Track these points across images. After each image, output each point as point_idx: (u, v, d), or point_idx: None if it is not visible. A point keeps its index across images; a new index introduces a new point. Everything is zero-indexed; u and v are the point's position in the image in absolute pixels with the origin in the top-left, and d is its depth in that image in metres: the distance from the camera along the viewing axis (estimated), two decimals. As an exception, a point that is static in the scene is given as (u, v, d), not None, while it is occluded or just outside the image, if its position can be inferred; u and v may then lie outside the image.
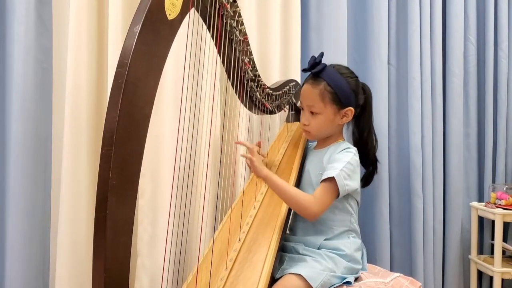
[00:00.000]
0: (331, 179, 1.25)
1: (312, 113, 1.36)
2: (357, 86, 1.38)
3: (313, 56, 1.36)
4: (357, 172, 1.33)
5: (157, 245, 1.56)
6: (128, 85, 0.75)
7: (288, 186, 1.28)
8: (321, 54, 1.36)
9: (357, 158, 1.34)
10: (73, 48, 1.53)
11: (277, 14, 1.80)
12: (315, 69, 1.34)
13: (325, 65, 1.34)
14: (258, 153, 1.46)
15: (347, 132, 1.50)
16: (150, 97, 0.81)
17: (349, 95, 1.34)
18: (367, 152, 1.45)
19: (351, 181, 1.28)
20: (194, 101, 1.47)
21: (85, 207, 1.56)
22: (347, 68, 1.41)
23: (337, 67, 1.38)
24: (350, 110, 1.36)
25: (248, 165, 1.31)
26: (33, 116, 1.58)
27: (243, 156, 1.33)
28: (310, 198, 1.27)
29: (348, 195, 1.32)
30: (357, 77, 1.40)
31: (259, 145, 1.50)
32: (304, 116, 1.39)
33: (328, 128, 1.39)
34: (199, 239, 1.33)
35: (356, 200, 1.38)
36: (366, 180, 1.51)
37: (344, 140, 1.45)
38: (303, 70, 1.39)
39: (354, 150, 1.35)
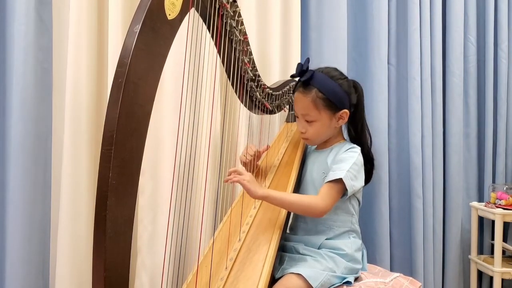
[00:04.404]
0: (338, 180, 1.25)
1: (307, 121, 1.35)
2: (349, 87, 1.37)
3: (299, 64, 1.35)
4: (362, 172, 1.33)
5: (157, 244, 1.57)
6: (128, 85, 0.75)
7: (289, 195, 1.28)
8: (307, 60, 1.34)
9: (361, 158, 1.34)
10: (73, 48, 1.53)
11: (277, 14, 1.80)
12: (303, 77, 1.32)
13: (313, 72, 1.32)
14: (257, 156, 1.46)
15: (345, 130, 1.50)
16: (150, 96, 0.81)
17: (342, 97, 1.34)
18: (362, 148, 1.44)
19: (357, 182, 1.29)
20: (194, 100, 1.47)
21: (85, 207, 1.56)
22: (335, 69, 1.39)
23: (325, 71, 1.36)
24: (345, 112, 1.36)
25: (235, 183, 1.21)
26: (33, 116, 1.58)
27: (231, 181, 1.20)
28: (315, 197, 1.28)
29: (351, 195, 1.32)
30: (347, 77, 1.39)
31: (266, 149, 1.49)
32: (300, 124, 1.38)
33: (326, 133, 1.39)
34: (199, 238, 1.33)
35: (358, 200, 1.38)
36: (366, 178, 1.51)
37: (345, 140, 1.45)
38: (291, 76, 1.39)
39: (358, 150, 1.35)
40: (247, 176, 1.20)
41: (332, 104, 1.32)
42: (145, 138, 0.81)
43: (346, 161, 1.29)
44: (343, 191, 1.27)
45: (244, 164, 1.46)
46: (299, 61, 1.83)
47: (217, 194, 1.62)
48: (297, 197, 1.29)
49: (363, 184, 1.34)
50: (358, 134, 1.45)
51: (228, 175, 1.23)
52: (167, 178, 1.57)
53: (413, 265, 1.96)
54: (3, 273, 1.56)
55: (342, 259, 1.27)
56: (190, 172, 1.43)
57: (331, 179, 1.26)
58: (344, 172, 1.25)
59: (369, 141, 1.48)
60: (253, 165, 1.46)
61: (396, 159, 2.02)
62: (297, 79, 1.38)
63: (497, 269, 1.92)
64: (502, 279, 1.94)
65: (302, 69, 1.33)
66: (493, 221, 1.98)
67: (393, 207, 2.00)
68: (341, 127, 1.42)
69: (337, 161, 1.32)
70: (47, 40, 1.62)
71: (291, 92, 1.66)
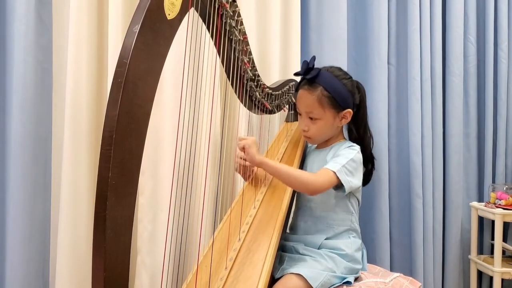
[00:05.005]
0: (332, 171, 1.26)
1: (311, 118, 1.35)
2: (353, 87, 1.38)
3: (305, 61, 1.35)
4: (360, 170, 1.33)
5: (157, 243, 1.57)
6: (127, 84, 0.75)
7: (285, 166, 1.29)
8: (313, 58, 1.35)
9: (360, 156, 1.34)
10: (73, 48, 1.53)
11: (277, 14, 1.80)
12: (309, 74, 1.32)
13: (319, 70, 1.33)
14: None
15: (346, 131, 1.50)
16: (150, 96, 0.81)
17: (346, 97, 1.34)
18: (364, 148, 1.45)
19: (354, 178, 1.29)
20: (194, 100, 1.47)
21: (85, 207, 1.56)
22: (340, 69, 1.40)
23: (330, 70, 1.36)
24: (349, 112, 1.36)
25: (241, 151, 1.30)
26: (33, 116, 1.58)
27: (239, 141, 1.31)
28: (311, 173, 1.30)
29: (350, 194, 1.32)
30: (351, 77, 1.39)
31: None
32: (303, 122, 1.38)
33: (329, 132, 1.39)
34: (199, 237, 1.33)
35: (357, 199, 1.38)
36: (366, 178, 1.51)
37: (345, 139, 1.45)
38: (296, 74, 1.39)
39: (357, 148, 1.36)
40: (250, 140, 1.27)
41: (337, 103, 1.33)
42: (144, 138, 0.81)
43: (342, 156, 1.30)
44: (337, 183, 1.27)
45: (244, 166, 1.45)
46: (299, 61, 1.84)
47: (217, 193, 1.62)
48: (294, 169, 1.30)
49: (361, 182, 1.34)
50: (361, 135, 1.45)
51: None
52: (167, 177, 1.57)
53: (413, 265, 1.96)
54: (3, 273, 1.56)
55: (342, 259, 1.27)
56: (190, 171, 1.43)
57: (327, 168, 1.27)
58: (338, 166, 1.26)
59: (371, 142, 1.48)
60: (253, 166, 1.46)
61: (396, 159, 2.02)
62: (298, 79, 1.38)
63: (497, 269, 1.92)
64: (502, 279, 1.94)
65: (308, 67, 1.33)
66: (493, 221, 1.98)
67: (393, 207, 2.00)
68: (342, 127, 1.42)
69: (334, 156, 1.33)
70: (47, 40, 1.62)
71: (291, 92, 1.66)
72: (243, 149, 1.25)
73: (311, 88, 1.33)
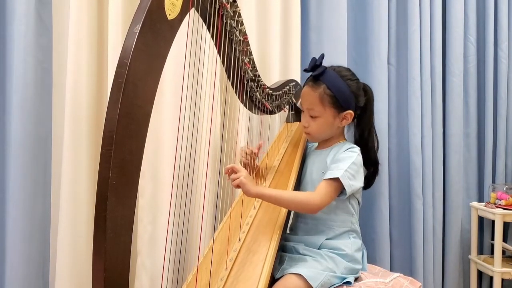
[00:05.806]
0: (335, 179, 1.25)
1: (311, 116, 1.36)
2: (358, 88, 1.38)
3: (313, 58, 1.35)
4: (361, 172, 1.33)
5: (157, 245, 1.57)
6: (128, 85, 0.75)
7: (284, 192, 1.28)
8: (322, 56, 1.35)
9: (360, 158, 1.34)
10: (73, 48, 1.53)
11: (277, 14, 1.80)
12: (315, 71, 1.33)
13: (325, 68, 1.33)
14: (255, 157, 1.46)
15: (348, 132, 1.50)
16: (150, 96, 0.81)
17: (348, 98, 1.34)
18: (368, 152, 1.45)
19: (356, 181, 1.28)
20: (194, 101, 1.47)
21: (85, 207, 1.56)
22: (348, 70, 1.40)
23: (337, 70, 1.36)
24: (350, 113, 1.36)
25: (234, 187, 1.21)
26: (33, 116, 1.58)
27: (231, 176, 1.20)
28: (311, 193, 1.28)
29: (350, 195, 1.32)
30: (358, 79, 1.39)
31: (260, 146, 1.49)
32: (304, 118, 1.39)
33: (328, 131, 1.39)
34: (199, 239, 1.33)
35: (358, 200, 1.38)
36: (368, 181, 1.51)
37: (346, 140, 1.45)
38: (304, 70, 1.39)
39: (358, 150, 1.35)
40: (243, 173, 1.18)
41: (338, 103, 1.33)
42: (145, 139, 0.81)
43: (344, 161, 1.29)
44: (341, 189, 1.27)
45: (244, 165, 1.46)
46: (299, 62, 1.84)
47: (217, 194, 1.62)
48: (292, 194, 1.29)
49: (363, 185, 1.34)
50: (365, 138, 1.45)
51: (225, 173, 1.22)
52: (167, 179, 1.57)
53: (413, 265, 1.96)
54: (3, 273, 1.56)
55: (342, 259, 1.27)
56: (190, 173, 1.43)
57: (328, 177, 1.27)
58: (341, 172, 1.25)
59: (376, 146, 1.48)
60: (253, 166, 1.46)
61: (396, 159, 2.02)
62: (299, 79, 1.38)
63: (497, 269, 1.93)
64: (502, 279, 1.95)
65: (315, 64, 1.33)
66: (493, 221, 1.98)
67: (393, 207, 2.00)
68: (343, 127, 1.42)
69: (335, 161, 1.32)
70: (47, 40, 1.61)
71: (291, 92, 1.66)
72: (238, 186, 1.19)
73: (314, 85, 1.34)
